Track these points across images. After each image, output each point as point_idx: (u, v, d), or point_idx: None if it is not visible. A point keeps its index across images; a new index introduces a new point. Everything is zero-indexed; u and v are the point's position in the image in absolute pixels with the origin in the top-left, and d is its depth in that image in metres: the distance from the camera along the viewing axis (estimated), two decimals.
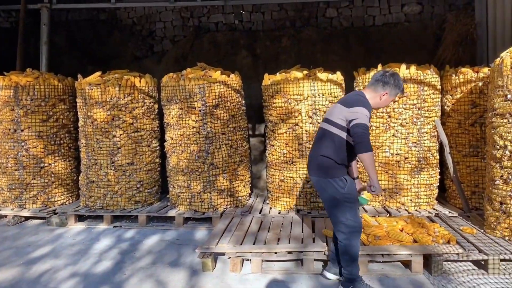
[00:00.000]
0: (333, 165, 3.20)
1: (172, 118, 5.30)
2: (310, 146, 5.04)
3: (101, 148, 5.42)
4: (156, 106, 5.77)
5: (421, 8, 7.96)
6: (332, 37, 7.93)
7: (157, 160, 5.76)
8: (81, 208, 5.60)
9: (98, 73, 5.58)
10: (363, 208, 5.22)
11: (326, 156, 3.20)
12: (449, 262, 3.81)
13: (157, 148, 5.76)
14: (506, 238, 3.97)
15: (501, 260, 3.62)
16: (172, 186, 5.51)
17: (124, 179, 5.46)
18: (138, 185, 5.53)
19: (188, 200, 5.32)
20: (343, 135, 3.17)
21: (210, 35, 8.29)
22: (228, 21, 8.47)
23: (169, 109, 5.33)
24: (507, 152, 3.93)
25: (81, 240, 4.85)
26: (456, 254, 3.67)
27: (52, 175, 5.77)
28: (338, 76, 5.26)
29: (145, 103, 5.54)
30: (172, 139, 5.39)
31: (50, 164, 5.75)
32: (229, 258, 3.91)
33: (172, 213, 5.31)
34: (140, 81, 5.51)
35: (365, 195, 3.48)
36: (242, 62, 7.78)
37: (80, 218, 5.60)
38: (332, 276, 3.59)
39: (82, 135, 5.61)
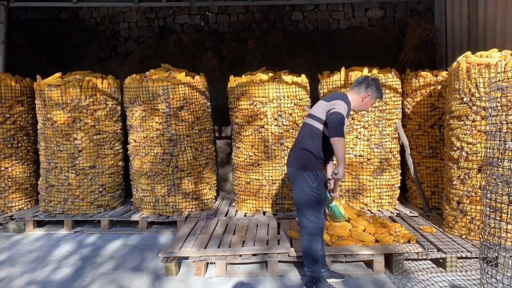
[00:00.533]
0: (310, 158, 3.24)
1: (135, 120, 5.20)
2: (276, 148, 5.09)
3: (61, 151, 5.26)
4: (119, 108, 5.65)
5: (383, 13, 8.15)
6: (297, 40, 8.01)
7: (120, 163, 5.64)
8: (40, 213, 5.41)
9: (58, 74, 5.42)
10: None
11: (305, 149, 3.27)
12: (409, 261, 3.90)
13: (120, 151, 5.64)
14: (463, 236, 4.11)
15: (458, 258, 3.74)
16: (135, 189, 5.41)
17: (85, 183, 5.31)
18: (101, 189, 5.39)
19: (152, 204, 5.23)
20: (321, 127, 3.24)
21: (176, 36, 8.20)
22: (194, 22, 8.41)
23: (132, 111, 5.23)
24: (463, 153, 4.07)
25: (40, 247, 4.68)
26: (416, 253, 3.77)
27: (9, 180, 5.55)
28: (303, 79, 5.31)
29: (107, 104, 5.42)
30: (135, 141, 5.29)
31: (7, 168, 5.53)
32: (193, 262, 3.86)
33: (135, 217, 5.20)
34: (102, 83, 5.39)
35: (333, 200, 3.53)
36: (208, 63, 7.73)
37: (39, 224, 5.40)
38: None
39: (41, 138, 5.42)
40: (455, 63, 4.25)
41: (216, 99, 6.47)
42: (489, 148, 3.05)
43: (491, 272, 2.77)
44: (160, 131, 5.09)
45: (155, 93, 5.03)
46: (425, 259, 3.85)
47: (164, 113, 5.06)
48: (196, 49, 7.98)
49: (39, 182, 5.54)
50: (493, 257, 2.89)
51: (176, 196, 5.19)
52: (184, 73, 5.26)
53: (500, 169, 2.96)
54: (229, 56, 7.87)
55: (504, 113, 3.27)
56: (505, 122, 3.31)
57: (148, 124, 5.11)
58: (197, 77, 5.33)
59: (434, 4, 7.30)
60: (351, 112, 4.98)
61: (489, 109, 3.19)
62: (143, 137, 5.17)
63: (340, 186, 5.13)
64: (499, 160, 2.99)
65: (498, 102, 3.69)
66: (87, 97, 5.24)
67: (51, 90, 5.19)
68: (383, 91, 3.44)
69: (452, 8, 6.83)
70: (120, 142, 5.66)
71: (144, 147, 5.18)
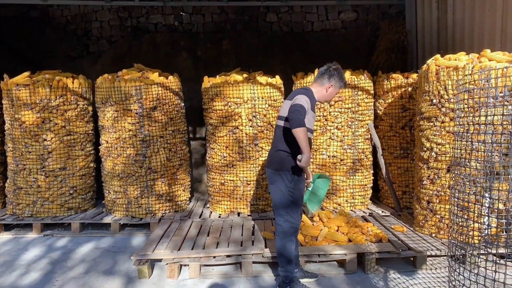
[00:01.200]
0: (286, 157, 3.25)
1: (107, 120, 5.11)
2: (250, 149, 5.09)
3: (30, 152, 5.11)
4: (90, 108, 5.54)
5: (356, 16, 8.27)
6: (272, 41, 8.03)
7: (92, 164, 5.53)
8: (8, 216, 5.25)
9: (26, 73, 5.27)
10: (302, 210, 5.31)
11: (280, 150, 3.29)
12: (381, 260, 3.96)
13: (92, 152, 5.53)
14: (433, 235, 4.20)
15: (428, 256, 3.83)
16: (107, 191, 5.31)
17: (55, 185, 5.18)
18: (71, 191, 5.27)
19: (124, 206, 5.15)
20: (287, 125, 3.24)
21: (149, 36, 8.10)
22: (168, 22, 8.33)
23: (104, 111, 5.14)
24: (433, 153, 4.17)
25: (7, 251, 4.54)
26: (388, 252, 3.83)
27: None
28: (277, 80, 5.33)
29: (78, 105, 5.30)
30: (107, 142, 5.19)
31: None
32: (167, 264, 3.82)
33: (107, 219, 5.11)
34: (73, 82, 5.27)
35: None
36: (183, 64, 7.67)
37: (6, 228, 5.24)
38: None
39: (8, 139, 5.26)
40: (425, 65, 4.35)
41: (190, 100, 6.43)
42: (457, 149, 3.12)
43: (458, 269, 2.84)
44: (132, 132, 5.02)
45: (128, 93, 4.95)
46: (396, 258, 3.92)
47: (136, 113, 4.99)
48: (170, 49, 7.91)
49: (6, 185, 5.38)
50: (461, 255, 2.96)
51: (149, 198, 5.13)
52: (157, 73, 5.20)
53: (467, 169, 3.04)
54: (204, 57, 7.83)
55: (471, 115, 3.36)
56: (472, 123, 3.40)
57: (120, 125, 5.03)
58: (170, 77, 5.28)
59: (405, 7, 7.45)
60: (321, 105, 5.04)
61: (457, 111, 3.27)
62: (115, 138, 5.08)
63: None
64: (467, 160, 3.07)
65: (466, 104, 3.79)
66: (57, 97, 5.12)
67: (19, 90, 5.05)
68: (345, 78, 3.43)
69: (422, 12, 6.98)
70: (92, 143, 5.56)
71: (116, 148, 5.09)
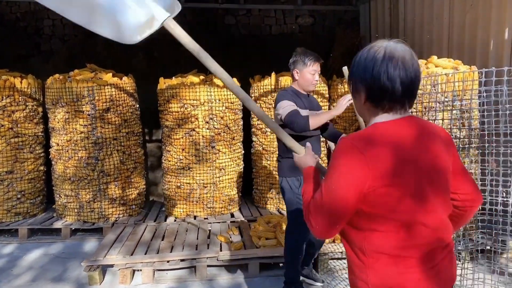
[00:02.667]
0: (285, 162, 3.16)
1: (58, 122, 4.93)
2: (207, 151, 5.05)
3: None
4: (40, 109, 5.33)
5: (313, 20, 8.41)
6: (230, 44, 8.04)
7: (42, 167, 5.32)
8: None
9: None
10: (259, 212, 5.35)
11: (280, 155, 3.22)
12: (334, 260, 4.04)
13: (42, 154, 5.32)
14: None
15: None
16: (58, 195, 5.12)
17: (1, 189, 4.95)
18: (19, 195, 5.05)
19: (76, 210, 4.99)
20: None
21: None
22: None
23: (55, 112, 4.96)
24: None
25: None
26: (340, 252, 3.91)
27: None
28: (235, 83, 5.32)
29: (27, 106, 5.10)
30: (58, 145, 5.01)
31: None
32: (119, 269, 3.73)
33: (58, 224, 4.93)
34: (21, 82, 5.06)
35: None
36: (139, 65, 7.53)
37: None
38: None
39: None
40: None
41: (147, 102, 6.30)
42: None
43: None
44: (84, 134, 4.87)
45: (80, 94, 4.80)
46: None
47: (89, 115, 4.85)
48: (126, 49, 7.73)
49: None
50: None
51: (102, 202, 4.99)
52: (111, 73, 5.08)
53: None
54: (161, 58, 7.72)
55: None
56: None
57: (71, 127, 4.87)
58: (125, 78, 5.17)
59: (360, 14, 7.67)
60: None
61: None
62: (67, 140, 4.91)
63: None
64: None
65: (414, 108, 3.94)
66: (4, 98, 4.90)
67: None
68: (310, 53, 3.25)
69: (375, 18, 7.22)
70: (42, 145, 5.35)
71: (67, 151, 4.93)
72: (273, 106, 3.27)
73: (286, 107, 3.00)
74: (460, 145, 4.05)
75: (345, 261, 4.02)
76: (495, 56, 4.72)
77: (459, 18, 5.25)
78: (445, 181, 1.41)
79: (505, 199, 2.43)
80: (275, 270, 3.89)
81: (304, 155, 1.76)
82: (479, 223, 3.33)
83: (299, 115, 2.95)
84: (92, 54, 7.44)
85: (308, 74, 3.18)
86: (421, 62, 4.36)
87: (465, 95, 4.04)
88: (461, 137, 4.05)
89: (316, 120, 2.98)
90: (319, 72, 3.27)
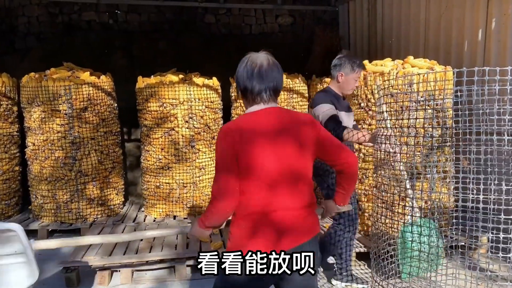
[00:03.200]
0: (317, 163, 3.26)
1: (34, 121, 4.85)
2: (187, 151, 5.03)
3: None
4: (15, 108, 5.23)
5: (293, 20, 8.47)
6: (211, 43, 8.02)
7: (17, 168, 5.22)
8: None
9: None
10: None
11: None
12: None
13: (17, 154, 5.22)
14: (362, 232, 4.40)
15: (357, 253, 3.99)
16: (34, 196, 5.03)
17: None
18: None
19: (53, 211, 4.91)
20: None
21: (82, 34, 7.78)
22: (102, 20, 8.05)
23: (31, 112, 4.87)
24: (361, 154, 4.36)
25: None
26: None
27: None
28: (215, 82, 5.33)
29: (1, 105, 4.99)
30: (34, 144, 4.92)
31: None
32: (97, 270, 3.69)
33: (34, 226, 4.85)
34: None
35: None
36: (118, 63, 7.45)
37: None
38: (337, 283, 3.56)
39: None
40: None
41: (125, 100, 6.23)
42: (378, 150, 3.28)
43: (380, 264, 2.99)
44: (61, 133, 4.80)
45: (56, 93, 4.73)
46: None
47: (66, 114, 4.78)
48: (105, 48, 7.65)
49: None
50: (383, 251, 3.13)
51: (80, 202, 4.93)
52: (88, 72, 5.01)
53: (387, 170, 3.22)
54: (140, 57, 7.66)
55: (394, 118, 3.56)
56: (395, 126, 3.60)
57: (48, 126, 4.79)
58: (102, 77, 5.11)
59: (339, 14, 7.75)
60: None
61: (377, 114, 3.45)
62: (43, 140, 4.83)
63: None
64: (389, 162, 3.25)
65: (390, 108, 4.00)
66: None
67: None
68: (357, 60, 3.33)
69: (354, 19, 7.31)
70: (17, 145, 5.25)
71: (44, 151, 4.84)
72: (311, 105, 3.32)
73: (327, 111, 3.08)
74: (436, 144, 4.14)
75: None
76: (469, 57, 4.84)
77: (434, 19, 5.37)
78: (298, 156, 1.89)
79: (476, 197, 2.50)
80: None
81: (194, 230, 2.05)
82: (453, 220, 3.41)
83: (339, 123, 3.03)
84: (69, 52, 7.33)
85: (352, 80, 3.29)
86: (398, 62, 4.44)
87: (440, 94, 4.13)
88: (436, 136, 4.15)
89: (349, 136, 3.01)
90: None
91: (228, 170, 1.80)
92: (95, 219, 5.02)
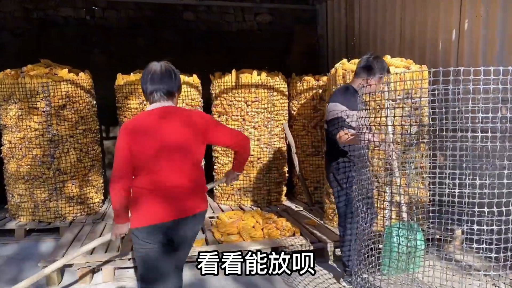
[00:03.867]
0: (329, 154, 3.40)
1: (10, 119, 4.75)
2: None
3: None
4: None
5: (272, 18, 8.51)
6: (190, 40, 7.99)
7: None
8: None
9: None
10: (220, 208, 5.39)
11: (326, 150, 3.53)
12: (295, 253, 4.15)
13: None
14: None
15: (336, 247, 4.08)
16: (11, 195, 4.94)
17: None
18: None
19: (31, 210, 4.83)
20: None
21: (59, 30, 7.63)
22: (79, 16, 7.91)
23: (7, 109, 4.77)
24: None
25: None
26: (300, 245, 4.03)
27: None
28: (195, 79, 5.34)
29: None
30: (10, 143, 4.83)
31: None
32: (78, 269, 3.66)
33: (11, 225, 4.77)
34: None
35: None
36: (96, 60, 7.34)
37: None
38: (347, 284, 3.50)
39: None
40: (333, 69, 4.63)
41: (103, 98, 6.17)
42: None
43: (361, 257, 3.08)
44: (39, 131, 4.72)
45: (34, 91, 4.65)
46: (308, 250, 4.13)
47: (44, 112, 4.71)
48: (82, 44, 7.53)
49: None
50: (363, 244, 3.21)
51: (59, 201, 4.86)
52: (67, 69, 4.95)
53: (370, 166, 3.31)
54: (118, 53, 7.56)
55: (373, 115, 3.66)
56: (373, 123, 3.70)
57: (25, 124, 4.71)
58: (81, 74, 5.05)
59: (317, 13, 7.84)
60: (238, 105, 5.08)
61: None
62: (20, 138, 4.74)
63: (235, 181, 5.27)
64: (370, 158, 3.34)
65: (368, 106, 4.09)
66: None
67: None
68: (386, 65, 3.34)
69: (332, 17, 7.41)
70: None
71: (21, 149, 4.76)
72: (328, 99, 3.39)
73: (334, 111, 3.16)
74: (414, 141, 4.26)
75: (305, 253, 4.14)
76: (443, 56, 4.98)
77: (410, 19, 5.50)
78: (181, 144, 2.30)
79: (452, 191, 2.60)
80: None
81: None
82: (430, 214, 3.53)
83: (338, 127, 3.09)
84: (46, 48, 7.18)
85: (374, 85, 3.24)
86: None
87: (416, 93, 4.25)
88: (412, 133, 4.27)
89: (344, 139, 3.05)
90: None
91: (122, 158, 2.23)
92: (74, 218, 4.96)
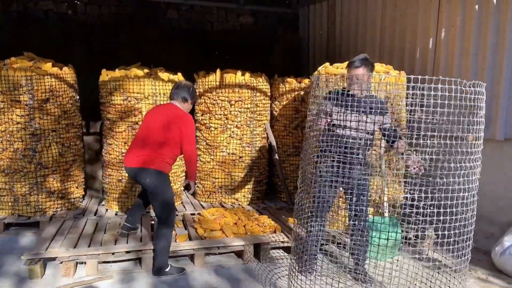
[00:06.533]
0: None
1: None
2: None
3: None
4: None
5: (254, 20, 8.63)
6: (173, 38, 8.02)
7: None
8: None
9: None
10: (202, 205, 5.45)
11: None
12: (275, 250, 4.27)
13: None
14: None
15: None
16: None
17: None
18: None
19: (10, 204, 4.78)
20: None
21: (39, 24, 7.53)
22: (60, 10, 7.83)
23: None
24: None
25: None
26: (281, 241, 4.15)
27: None
28: (179, 77, 5.38)
29: None
30: None
31: None
32: (61, 262, 3.68)
33: None
34: None
35: None
36: (76, 56, 7.28)
37: None
38: None
39: None
40: (316, 72, 4.77)
41: (84, 93, 6.14)
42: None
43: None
44: (21, 124, 4.68)
45: (17, 83, 4.61)
46: (289, 247, 4.25)
47: (26, 105, 4.67)
48: (63, 39, 7.45)
49: None
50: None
51: (39, 195, 4.83)
52: (50, 63, 4.92)
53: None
54: (100, 49, 7.52)
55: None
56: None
57: (7, 117, 4.66)
58: (65, 68, 5.03)
59: (299, 16, 8.00)
60: (222, 104, 5.17)
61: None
62: (1, 131, 4.69)
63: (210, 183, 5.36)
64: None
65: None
66: None
67: None
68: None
69: (314, 21, 7.58)
70: None
71: (1, 142, 4.70)
72: (383, 108, 3.38)
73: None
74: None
75: (286, 250, 4.27)
76: (420, 63, 5.20)
77: (390, 26, 5.71)
78: (162, 127, 3.60)
79: (424, 194, 2.77)
80: (218, 259, 4.05)
81: None
82: (404, 215, 3.72)
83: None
84: (25, 43, 7.07)
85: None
86: None
87: (394, 98, 4.44)
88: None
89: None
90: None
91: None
92: (55, 213, 4.94)
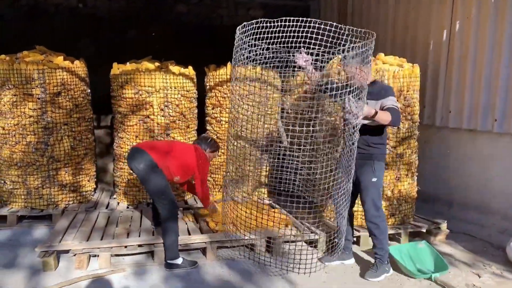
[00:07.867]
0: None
1: (4, 105, 4.71)
2: (162, 139, 5.06)
3: None
4: None
5: (264, 13, 8.57)
6: (182, 33, 8.00)
7: None
8: None
9: None
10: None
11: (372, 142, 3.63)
12: (287, 243, 4.25)
13: None
14: (332, 219, 4.61)
15: (329, 239, 4.19)
16: (3, 181, 4.90)
17: None
18: None
19: (23, 197, 4.81)
20: None
21: (48, 18, 7.55)
22: (70, 4, 7.83)
23: (1, 95, 4.72)
24: None
25: None
26: (293, 235, 4.13)
27: None
28: (190, 71, 5.37)
29: None
30: (3, 129, 4.78)
31: None
32: (74, 255, 3.69)
33: (3, 211, 4.73)
34: None
35: None
36: (85, 50, 7.28)
37: None
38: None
39: None
40: (329, 65, 4.72)
41: (93, 88, 6.15)
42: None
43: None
44: (34, 118, 4.70)
45: (29, 77, 4.62)
46: (301, 241, 4.23)
47: (39, 98, 4.68)
48: (72, 33, 7.46)
49: None
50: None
51: (52, 188, 4.86)
52: (62, 57, 4.93)
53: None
54: (109, 44, 7.53)
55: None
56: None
57: (20, 110, 4.67)
58: (76, 62, 5.03)
59: (310, 11, 7.93)
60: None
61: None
62: (14, 124, 4.71)
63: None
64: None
65: None
66: None
67: None
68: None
69: (324, 14, 7.54)
70: None
71: (14, 135, 4.72)
72: (381, 93, 3.47)
73: (397, 102, 3.41)
74: (402, 137, 4.41)
75: (298, 243, 4.25)
76: (433, 56, 5.14)
77: (402, 19, 5.64)
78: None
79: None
80: (230, 253, 4.04)
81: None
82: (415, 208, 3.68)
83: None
84: (35, 37, 7.08)
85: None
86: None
87: (407, 90, 4.39)
88: (404, 129, 4.42)
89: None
90: None
91: None
92: (67, 206, 4.96)
